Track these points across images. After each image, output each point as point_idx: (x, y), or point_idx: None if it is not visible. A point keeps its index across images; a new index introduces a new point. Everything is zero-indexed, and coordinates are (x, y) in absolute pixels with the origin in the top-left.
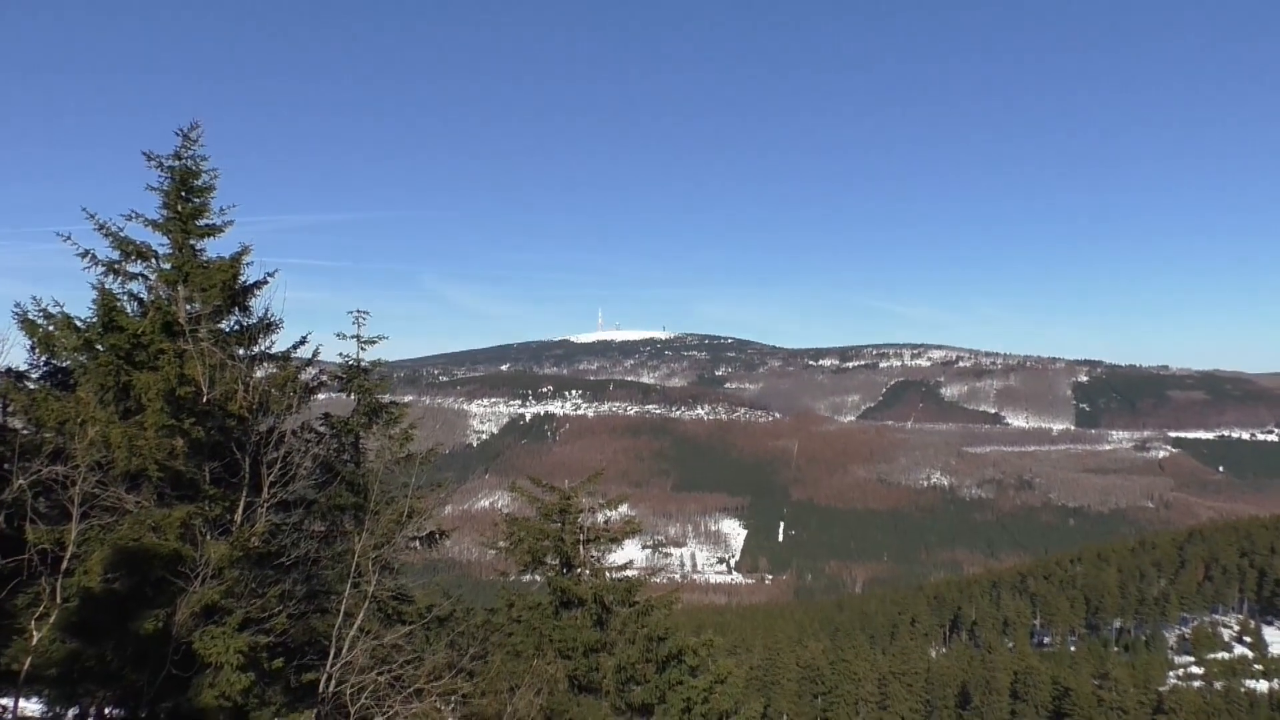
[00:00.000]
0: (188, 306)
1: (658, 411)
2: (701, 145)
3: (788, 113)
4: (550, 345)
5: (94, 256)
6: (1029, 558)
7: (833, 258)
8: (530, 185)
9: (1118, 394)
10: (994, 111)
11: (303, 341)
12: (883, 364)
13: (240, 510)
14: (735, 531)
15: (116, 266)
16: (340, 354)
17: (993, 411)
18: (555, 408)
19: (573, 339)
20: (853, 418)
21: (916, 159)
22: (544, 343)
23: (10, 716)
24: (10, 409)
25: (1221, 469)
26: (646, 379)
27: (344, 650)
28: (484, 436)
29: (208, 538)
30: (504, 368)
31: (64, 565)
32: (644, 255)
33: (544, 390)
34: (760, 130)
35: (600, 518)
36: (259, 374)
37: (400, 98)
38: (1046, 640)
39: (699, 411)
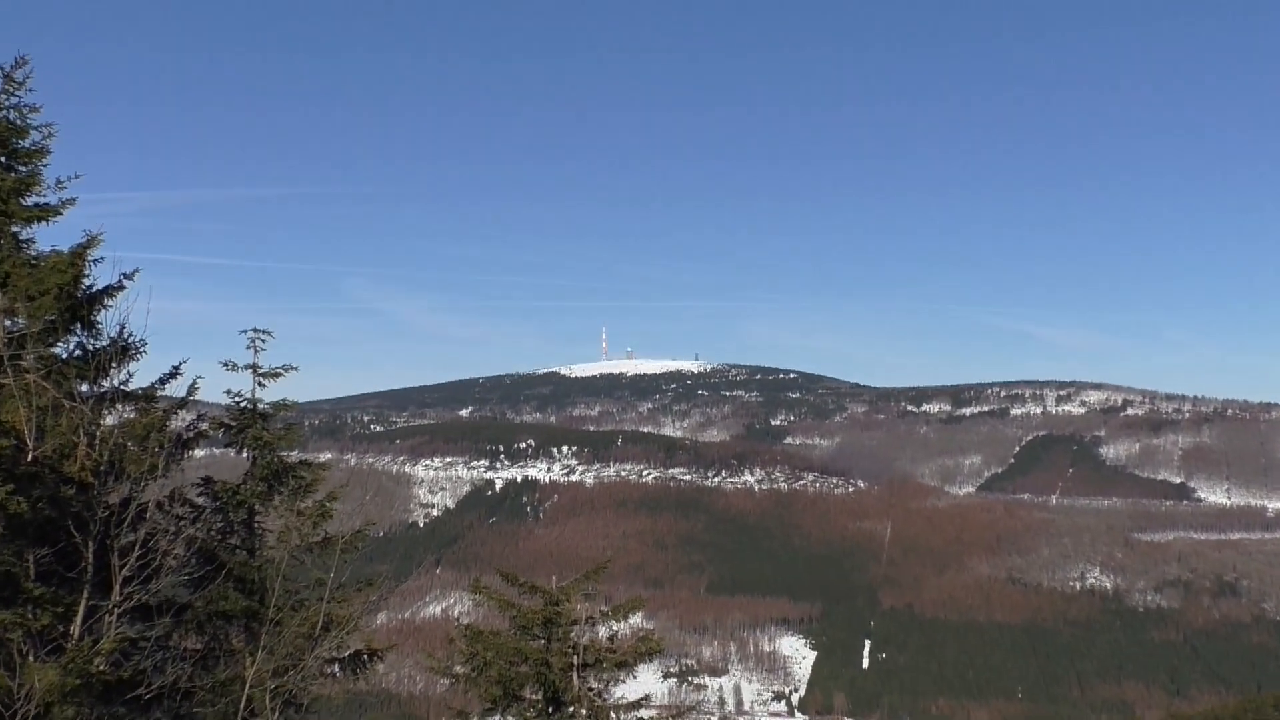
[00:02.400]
0: (6, 322)
1: (687, 477)
2: (747, 92)
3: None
4: (532, 381)
5: None
6: (1233, 697)
7: (940, 254)
8: (502, 147)
9: None
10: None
11: (174, 373)
12: (1015, 410)
13: (80, 619)
14: (799, 654)
15: None
16: (229, 392)
17: (1177, 481)
18: (539, 471)
19: (565, 371)
20: (970, 488)
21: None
22: (523, 377)
23: None
24: None
25: None
26: (671, 429)
27: None
28: (434, 512)
29: (30, 659)
30: (464, 413)
31: None
32: (668, 251)
33: (522, 445)
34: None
35: (603, 632)
36: (109, 421)
37: (315, 20)
38: None
39: (747, 478)
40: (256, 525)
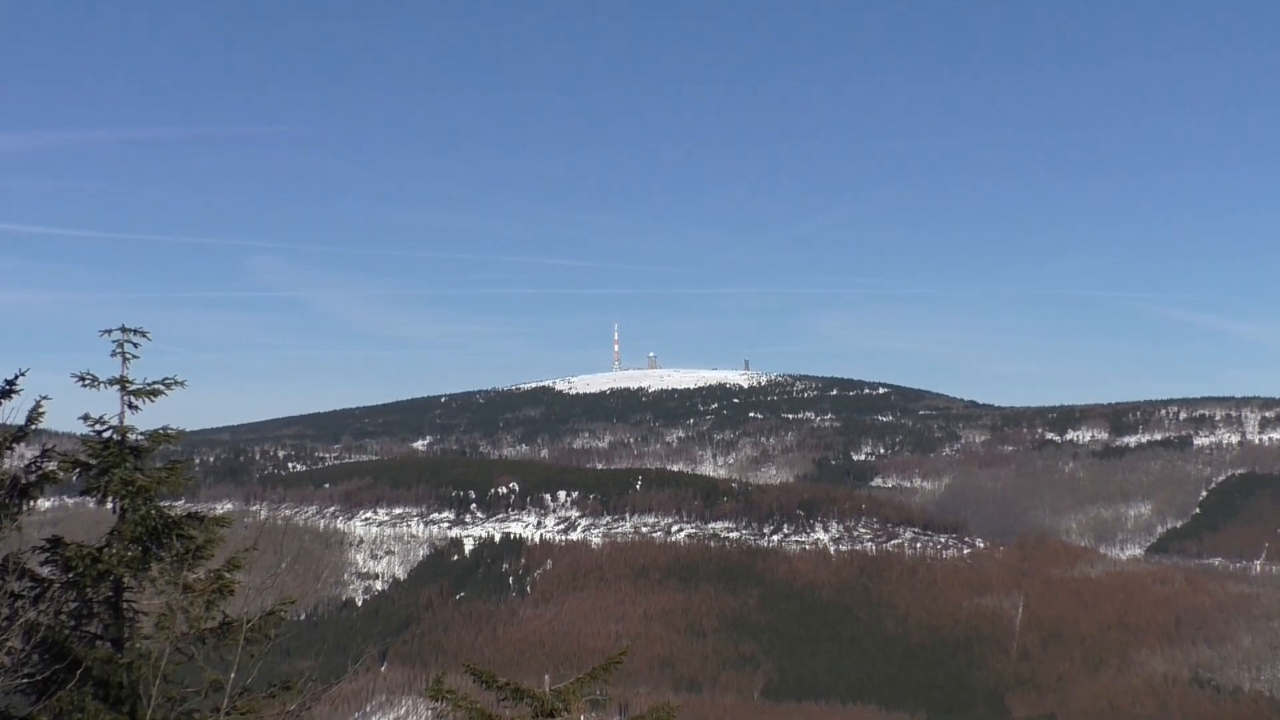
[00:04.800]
0: None
1: (734, 534)
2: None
3: None
4: (516, 400)
5: None
6: None
7: (1092, 222)
8: (464, 61)
9: None
10: None
11: (7, 391)
12: (1201, 439)
13: None
14: None
15: None
16: (87, 417)
17: None
18: (525, 526)
19: (562, 386)
20: (1138, 549)
21: None
22: (503, 394)
23: None
24: None
25: None
26: (711, 467)
27: None
28: (378, 586)
29: None
30: (420, 445)
31: None
32: (703, 217)
33: (502, 491)
34: None
35: None
36: None
37: None
38: None
39: (818, 535)
40: (126, 606)
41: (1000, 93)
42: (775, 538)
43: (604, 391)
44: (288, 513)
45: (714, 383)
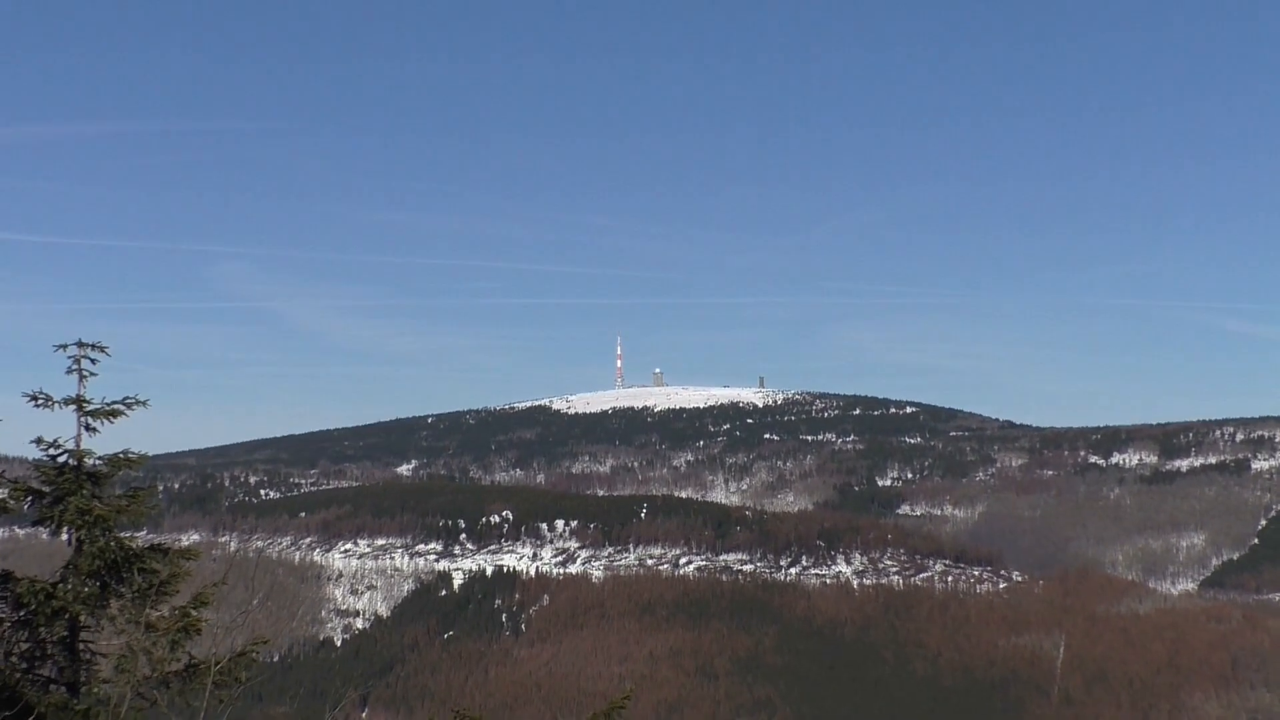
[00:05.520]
0: None
1: (748, 567)
2: None
3: None
4: (509, 420)
5: None
6: None
7: (1137, 221)
8: (450, 45)
9: None
10: None
11: None
12: (1260, 462)
13: None
14: None
15: None
16: (39, 441)
17: None
18: (519, 559)
19: (559, 405)
20: (1191, 584)
21: None
22: (495, 414)
23: None
24: None
25: None
26: (724, 493)
27: None
28: (359, 624)
29: None
30: (405, 469)
31: None
32: (715, 217)
33: (494, 520)
34: None
35: None
36: None
37: None
38: None
39: (840, 568)
40: (82, 647)
41: (1043, 81)
42: (793, 571)
43: (605, 411)
44: (259, 544)
45: (726, 401)
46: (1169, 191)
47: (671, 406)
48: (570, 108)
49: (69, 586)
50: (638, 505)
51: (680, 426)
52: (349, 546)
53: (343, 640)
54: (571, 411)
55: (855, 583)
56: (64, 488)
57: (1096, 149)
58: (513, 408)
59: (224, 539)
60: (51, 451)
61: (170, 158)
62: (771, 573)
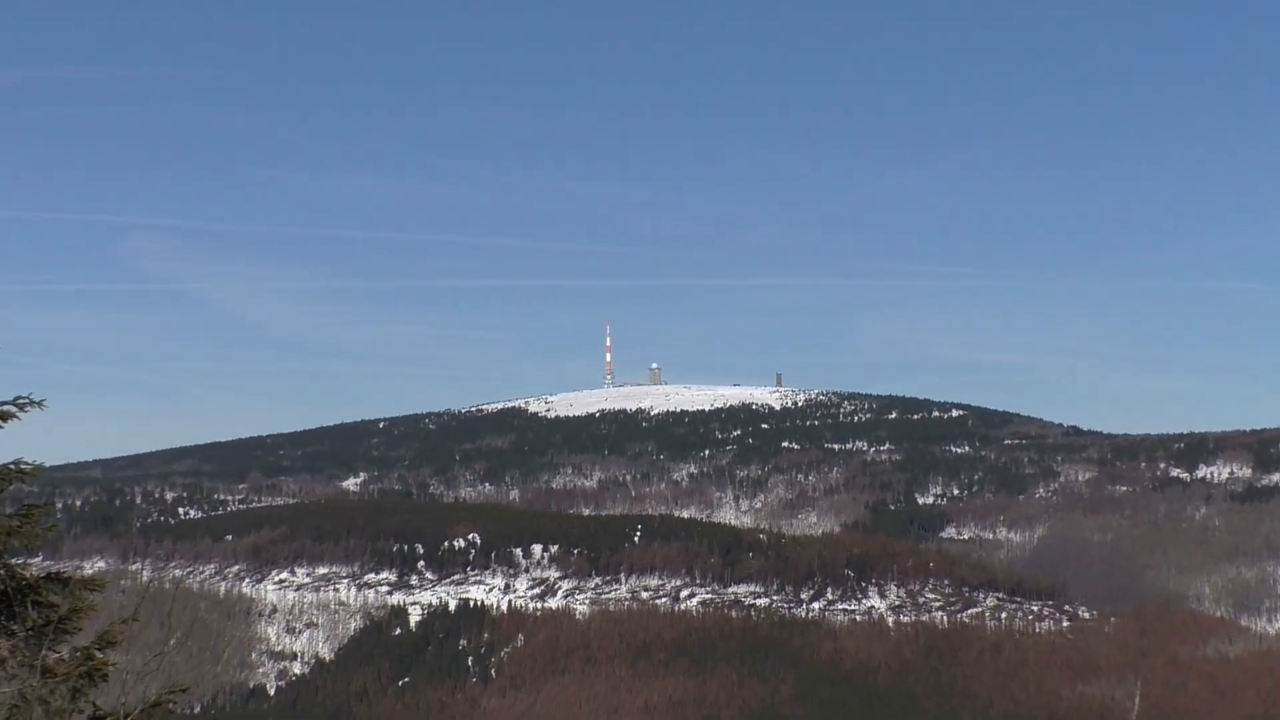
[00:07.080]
0: None
1: (762, 601)
2: None
3: None
4: (477, 424)
5: None
6: None
7: (1214, 190)
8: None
9: None
10: None
11: None
12: None
13: None
14: None
15: None
16: None
17: None
18: (488, 591)
19: (537, 407)
20: None
21: None
22: (461, 417)
23: None
24: None
25: None
26: (733, 512)
27: None
28: (297, 668)
29: None
30: (352, 484)
31: None
32: (720, 183)
33: (458, 545)
34: None
35: None
36: None
37: None
38: None
39: (873, 601)
40: None
41: (1128, 43)
42: (816, 606)
43: (592, 414)
44: (178, 573)
45: (736, 403)
46: (1267, 157)
47: (671, 409)
48: (554, 62)
49: None
50: (630, 527)
51: (681, 433)
52: (284, 576)
53: (277, 688)
54: (551, 415)
55: (890, 620)
56: None
57: (1179, 101)
58: (481, 410)
59: (135, 566)
60: None
61: (68, 113)
62: (790, 608)
